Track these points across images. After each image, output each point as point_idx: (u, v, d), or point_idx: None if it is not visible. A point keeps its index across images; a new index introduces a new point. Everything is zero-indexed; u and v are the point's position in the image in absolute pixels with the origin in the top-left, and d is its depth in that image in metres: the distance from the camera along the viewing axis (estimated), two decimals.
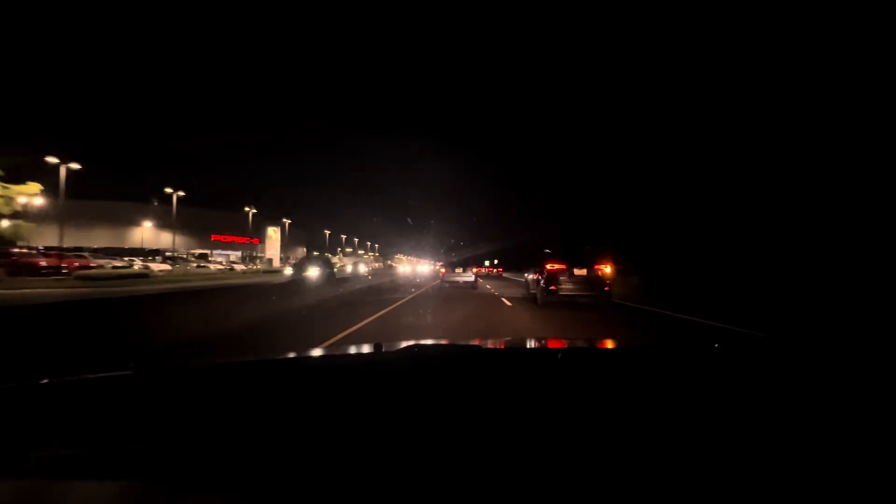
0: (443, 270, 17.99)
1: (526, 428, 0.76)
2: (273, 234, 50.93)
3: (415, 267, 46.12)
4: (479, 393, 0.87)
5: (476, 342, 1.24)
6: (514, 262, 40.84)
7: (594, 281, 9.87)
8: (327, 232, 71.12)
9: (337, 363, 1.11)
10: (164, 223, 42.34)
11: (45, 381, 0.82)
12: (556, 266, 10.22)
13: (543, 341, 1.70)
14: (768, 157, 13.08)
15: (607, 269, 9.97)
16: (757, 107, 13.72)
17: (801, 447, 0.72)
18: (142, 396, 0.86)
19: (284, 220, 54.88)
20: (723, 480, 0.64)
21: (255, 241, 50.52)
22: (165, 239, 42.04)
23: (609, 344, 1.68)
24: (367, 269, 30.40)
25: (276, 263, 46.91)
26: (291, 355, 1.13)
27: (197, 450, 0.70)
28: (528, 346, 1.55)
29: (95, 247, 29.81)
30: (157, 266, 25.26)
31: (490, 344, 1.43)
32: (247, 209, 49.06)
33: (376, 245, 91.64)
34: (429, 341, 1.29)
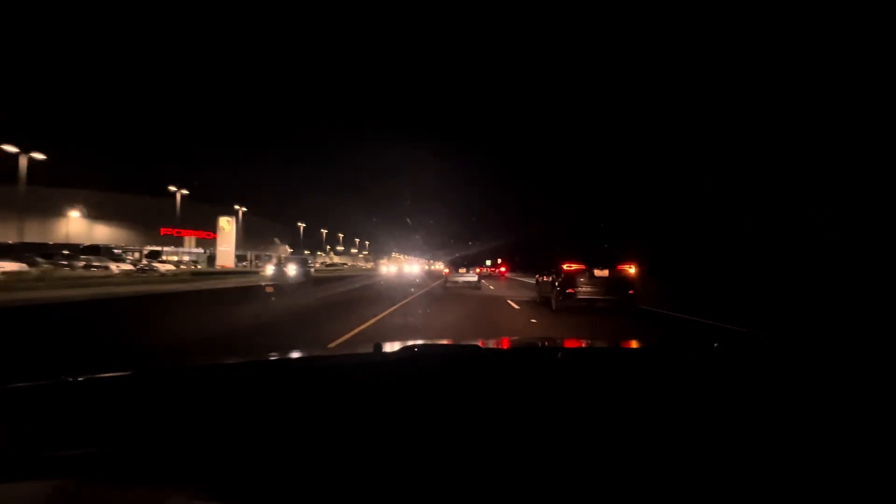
0: (446, 271, 18.38)
1: (526, 428, 0.76)
2: (226, 225, 40.63)
3: (401, 267, 40.34)
4: (480, 393, 0.87)
5: (479, 342, 1.24)
6: (515, 262, 39.78)
7: (617, 283, 9.08)
8: (301, 225, 63.41)
9: (335, 364, 1.09)
10: (98, 213, 36.79)
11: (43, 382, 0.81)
12: (574, 266, 9.35)
13: (545, 341, 1.71)
14: (768, 157, 13.10)
15: (632, 270, 9.22)
16: (756, 106, 13.76)
17: (801, 447, 0.72)
18: (139, 397, 0.85)
19: (237, 206, 43.68)
20: (723, 480, 0.64)
21: (213, 235, 43.65)
22: (100, 232, 36.87)
23: (610, 344, 1.68)
24: (299, 273, 18.46)
25: (227, 263, 39.56)
26: (289, 356, 1.14)
27: (195, 451, 0.70)
28: (528, 346, 1.54)
29: (11, 242, 24.88)
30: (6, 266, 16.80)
31: (492, 344, 1.46)
32: (172, 188, 35.64)
33: (367, 243, 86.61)
34: (430, 341, 1.32)
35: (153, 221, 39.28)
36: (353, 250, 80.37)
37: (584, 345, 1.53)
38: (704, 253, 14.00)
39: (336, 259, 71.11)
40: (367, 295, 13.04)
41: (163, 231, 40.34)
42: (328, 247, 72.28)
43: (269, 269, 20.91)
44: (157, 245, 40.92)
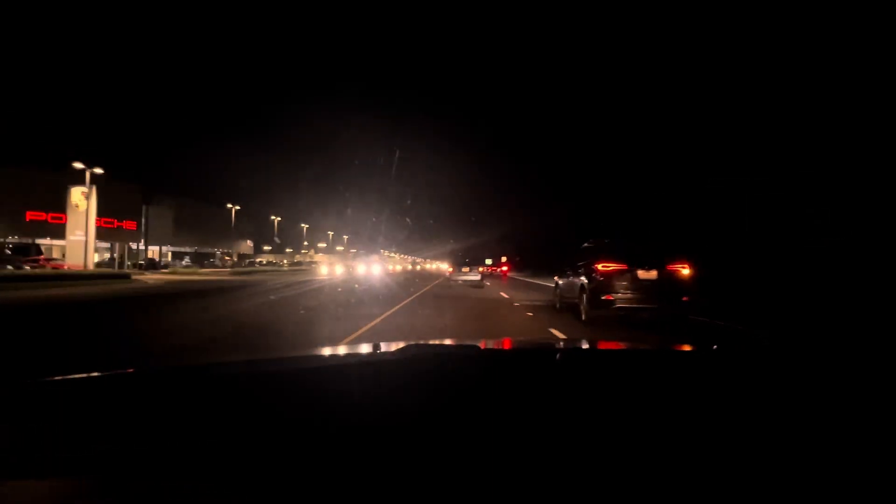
0: (450, 269, 19.02)
1: (525, 431, 0.77)
2: (80, 201, 26.00)
3: (352, 268, 27.50)
4: (478, 395, 0.88)
5: (481, 344, 1.24)
6: (517, 261, 37.72)
7: (668, 288, 7.16)
8: (231, 207, 44.53)
9: (335, 363, 1.12)
10: None
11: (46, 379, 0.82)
12: (612, 266, 7.31)
13: (546, 342, 1.69)
14: (768, 157, 12.79)
15: (685, 271, 7.47)
16: (756, 106, 13.47)
17: (800, 447, 0.73)
18: (138, 396, 0.86)
19: (86, 167, 24.61)
20: (722, 481, 0.65)
21: (129, 225, 32.50)
22: None
23: (608, 345, 1.69)
24: None
25: (81, 260, 24.55)
26: (287, 355, 1.18)
27: (194, 451, 0.71)
28: (528, 347, 1.53)
29: None
30: None
31: (493, 344, 1.49)
32: None
33: (345, 237, 75.95)
34: (427, 341, 1.32)
35: (19, 204, 28.38)
36: (340, 248, 70.79)
37: (582, 346, 1.53)
38: (704, 253, 13.47)
39: (317, 257, 59.75)
40: None
41: (29, 215, 30.59)
42: (305, 242, 62.29)
43: None
44: (27, 234, 30.26)
